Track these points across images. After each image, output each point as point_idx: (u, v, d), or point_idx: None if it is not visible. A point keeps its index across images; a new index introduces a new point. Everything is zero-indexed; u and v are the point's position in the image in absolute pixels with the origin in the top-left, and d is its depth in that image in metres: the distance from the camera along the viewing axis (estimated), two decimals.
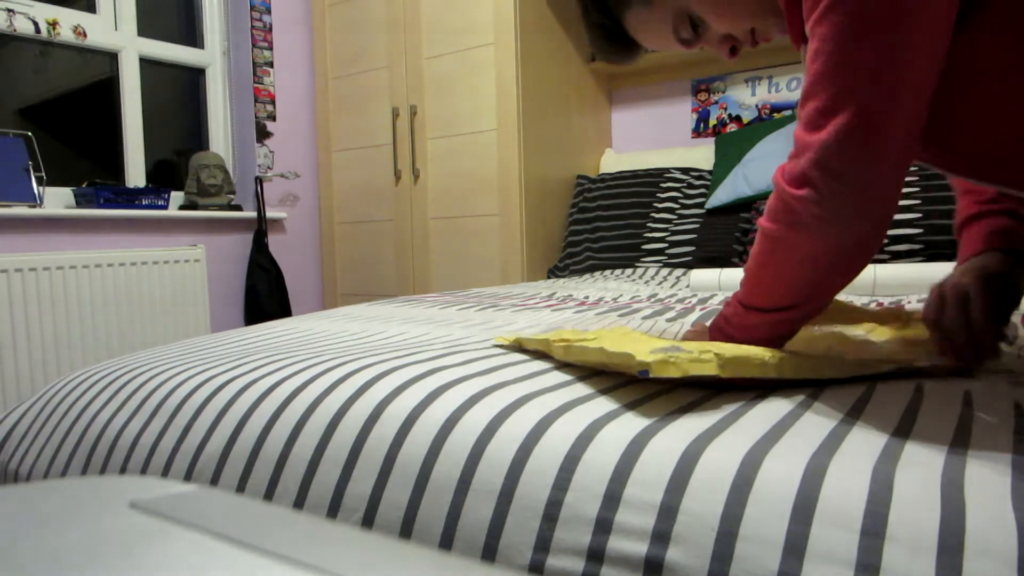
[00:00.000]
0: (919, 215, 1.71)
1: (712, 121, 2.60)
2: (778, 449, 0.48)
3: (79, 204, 2.23)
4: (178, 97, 2.73)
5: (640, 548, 0.45)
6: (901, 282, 1.44)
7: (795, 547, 0.41)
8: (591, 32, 0.80)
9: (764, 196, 2.06)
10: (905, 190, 1.82)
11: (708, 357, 0.59)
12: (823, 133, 0.57)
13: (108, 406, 0.79)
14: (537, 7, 2.39)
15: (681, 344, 0.63)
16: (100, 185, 2.23)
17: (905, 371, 0.68)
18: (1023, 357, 0.79)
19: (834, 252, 0.61)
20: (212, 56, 2.74)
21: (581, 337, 0.75)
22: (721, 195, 2.15)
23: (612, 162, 2.69)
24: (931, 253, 1.69)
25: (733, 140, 2.29)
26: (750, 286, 0.68)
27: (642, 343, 0.66)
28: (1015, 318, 1.02)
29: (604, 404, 0.58)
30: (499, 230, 2.38)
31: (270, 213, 2.73)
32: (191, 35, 2.73)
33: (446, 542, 0.52)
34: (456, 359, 0.76)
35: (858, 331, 0.89)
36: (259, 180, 2.68)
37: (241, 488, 0.63)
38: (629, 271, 2.19)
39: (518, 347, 0.85)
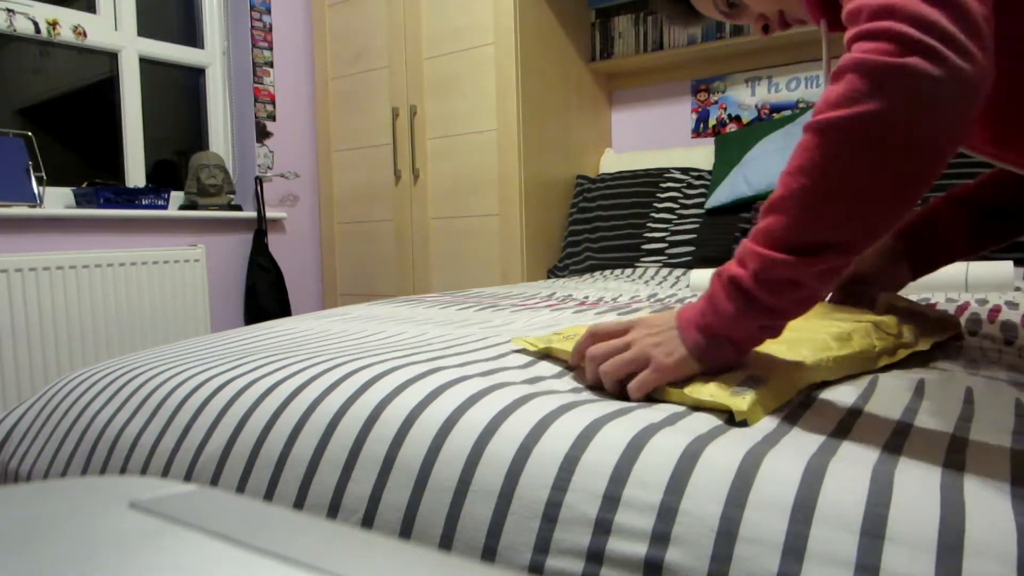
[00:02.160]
0: None
1: (712, 121, 2.60)
2: (778, 450, 0.48)
3: (79, 204, 2.23)
4: (178, 97, 2.73)
5: (640, 549, 0.45)
6: None
7: (795, 548, 0.41)
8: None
9: (764, 196, 2.06)
10: None
11: (783, 383, 0.60)
12: None
13: (108, 406, 0.79)
14: (537, 7, 2.39)
15: (754, 373, 0.60)
16: (100, 185, 2.23)
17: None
18: None
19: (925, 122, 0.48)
20: (212, 56, 2.74)
21: None
22: (721, 195, 2.15)
23: (612, 162, 2.69)
24: None
25: (733, 140, 2.29)
26: (793, 218, 0.53)
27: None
28: (1015, 318, 1.02)
29: (603, 405, 0.58)
30: (499, 230, 2.38)
31: (270, 213, 2.73)
32: (191, 35, 2.73)
33: (446, 542, 0.52)
34: (455, 359, 0.76)
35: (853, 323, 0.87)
36: (259, 180, 2.68)
37: (241, 488, 0.63)
38: (629, 271, 2.19)
39: (544, 354, 0.78)
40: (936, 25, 0.47)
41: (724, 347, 0.59)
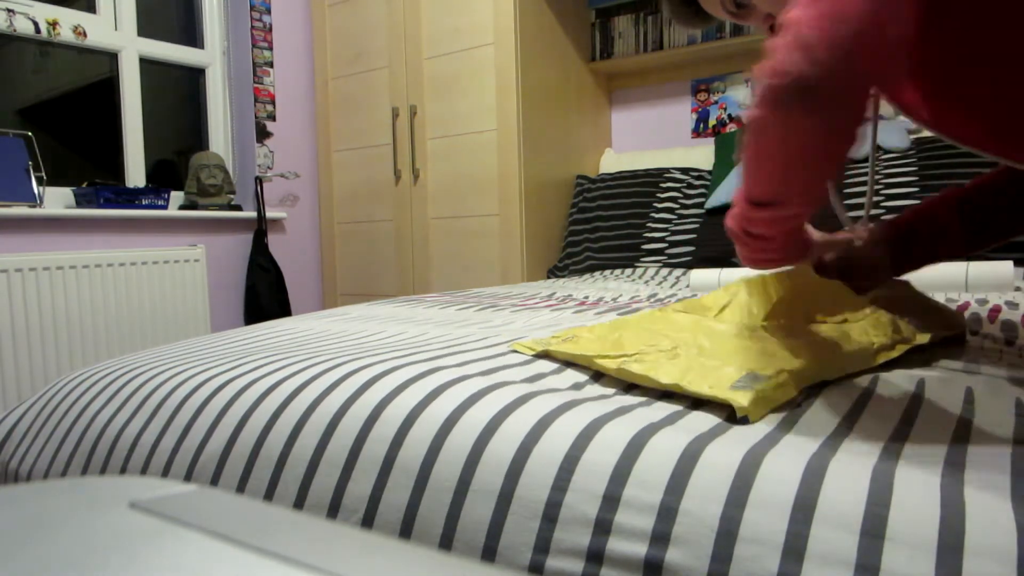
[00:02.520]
0: None
1: (712, 121, 2.60)
2: (778, 449, 0.48)
3: (79, 204, 2.23)
4: (178, 97, 2.73)
5: (640, 549, 0.45)
6: None
7: (795, 548, 0.41)
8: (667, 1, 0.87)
9: None
10: (906, 190, 1.82)
11: (784, 379, 0.60)
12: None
13: (108, 406, 0.79)
14: (537, 7, 2.39)
15: (754, 371, 0.61)
16: (100, 185, 2.23)
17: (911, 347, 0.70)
18: None
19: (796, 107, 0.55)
20: (212, 56, 2.74)
21: (620, 350, 0.72)
22: (721, 195, 2.15)
23: (612, 162, 2.69)
24: None
25: (733, 140, 2.29)
26: (746, 176, 0.66)
27: (696, 365, 0.65)
28: (1015, 318, 1.02)
29: (603, 404, 0.58)
30: (499, 230, 2.38)
31: (270, 213, 2.73)
32: (191, 35, 2.73)
33: (446, 542, 0.52)
34: (455, 359, 0.76)
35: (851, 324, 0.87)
36: (259, 180, 2.68)
37: (241, 488, 0.63)
38: (629, 271, 2.19)
39: (544, 355, 0.80)
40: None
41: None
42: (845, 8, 0.53)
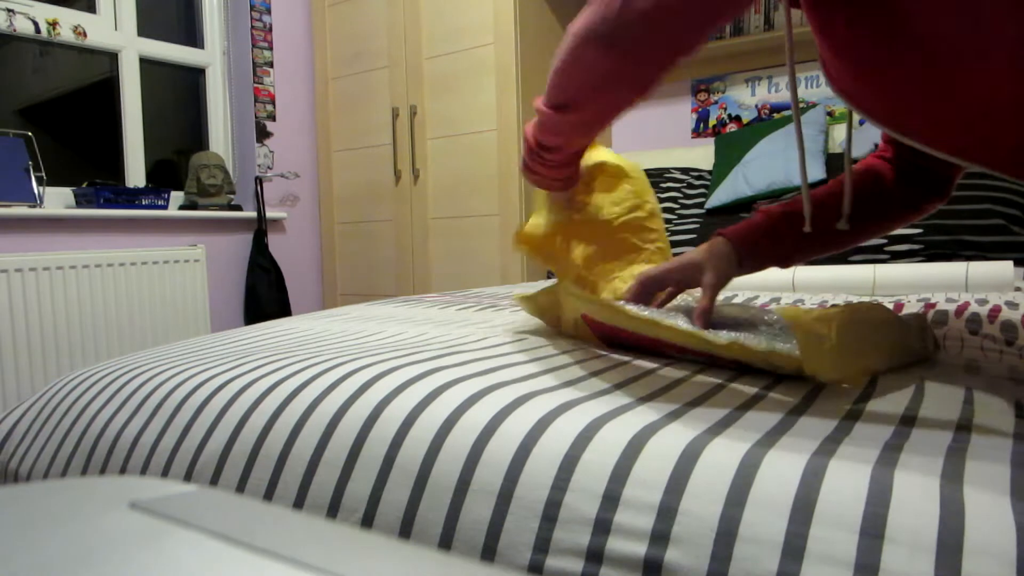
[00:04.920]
0: None
1: (712, 121, 2.60)
2: (777, 450, 0.48)
3: (79, 204, 2.23)
4: (178, 97, 2.73)
5: (639, 549, 0.45)
6: (901, 282, 1.44)
7: (794, 548, 0.41)
8: None
9: (764, 196, 2.06)
10: None
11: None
12: None
13: (108, 406, 0.79)
14: (537, 7, 2.39)
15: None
16: (100, 185, 2.23)
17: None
18: None
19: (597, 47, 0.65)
20: (212, 56, 2.74)
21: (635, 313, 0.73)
22: (721, 195, 2.15)
23: None
24: (931, 253, 1.69)
25: (733, 140, 2.29)
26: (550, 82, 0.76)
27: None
28: (1015, 318, 1.02)
29: (602, 404, 0.58)
30: (499, 230, 2.38)
31: (270, 213, 2.73)
32: (191, 35, 2.73)
33: (445, 542, 0.52)
34: (455, 359, 0.76)
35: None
36: (259, 180, 2.68)
37: (241, 488, 0.63)
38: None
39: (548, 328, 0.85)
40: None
41: (531, 174, 0.87)
42: None
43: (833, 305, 0.81)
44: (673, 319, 0.70)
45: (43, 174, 2.14)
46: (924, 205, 0.89)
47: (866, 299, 1.38)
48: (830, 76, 0.70)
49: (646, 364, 0.75)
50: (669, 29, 0.63)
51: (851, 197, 0.85)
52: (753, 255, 0.86)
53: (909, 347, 0.74)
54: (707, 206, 2.19)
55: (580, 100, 0.73)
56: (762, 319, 0.77)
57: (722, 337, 0.64)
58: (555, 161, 0.84)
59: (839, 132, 2.16)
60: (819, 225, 0.88)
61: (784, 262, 0.89)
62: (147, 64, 2.55)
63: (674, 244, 2.20)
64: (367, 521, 0.56)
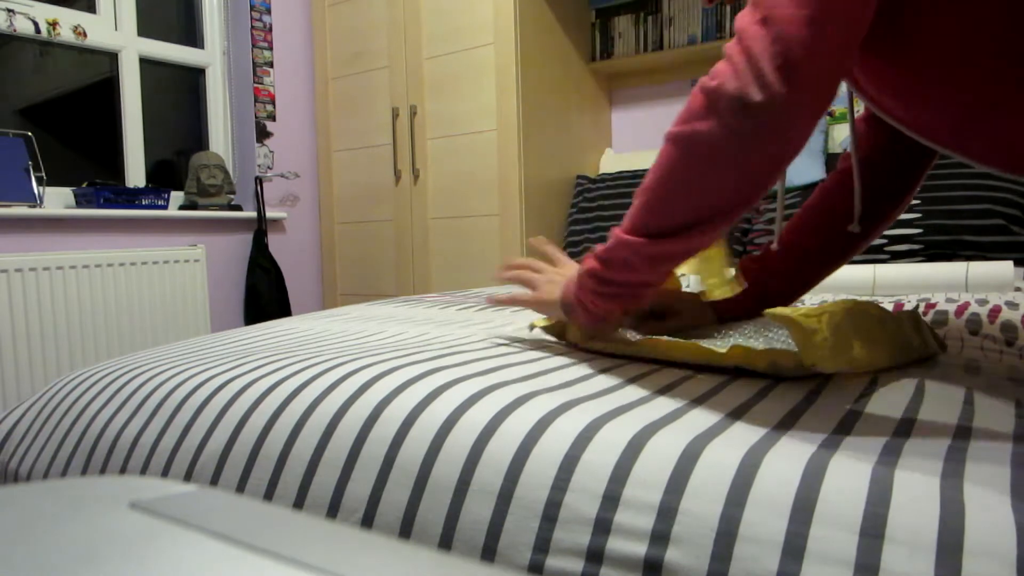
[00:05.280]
0: (919, 215, 1.71)
1: None
2: (777, 449, 0.48)
3: (79, 204, 2.23)
4: (178, 97, 2.73)
5: (639, 548, 0.45)
6: (901, 282, 1.44)
7: (794, 547, 0.41)
8: None
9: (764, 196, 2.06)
10: None
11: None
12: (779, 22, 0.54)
13: (108, 406, 0.79)
14: (537, 7, 2.39)
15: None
16: (100, 185, 2.23)
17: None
18: None
19: (744, 160, 0.57)
20: (212, 56, 2.74)
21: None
22: None
23: (612, 162, 2.69)
24: (931, 253, 1.69)
25: None
26: (640, 208, 0.64)
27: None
28: (1015, 318, 1.02)
29: (602, 404, 0.58)
30: (499, 230, 2.38)
31: (270, 213, 2.73)
32: (191, 35, 2.73)
33: (445, 542, 0.52)
34: (455, 359, 0.76)
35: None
36: (259, 180, 2.68)
37: (241, 488, 0.63)
38: None
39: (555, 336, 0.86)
40: (757, 61, 0.54)
41: (577, 310, 0.74)
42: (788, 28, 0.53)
43: (822, 301, 0.82)
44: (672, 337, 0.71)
45: (43, 174, 2.14)
46: (899, 205, 0.90)
47: (864, 299, 1.38)
48: (868, 96, 0.70)
49: (646, 364, 0.75)
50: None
51: (862, 196, 0.85)
52: (755, 300, 0.90)
53: (908, 344, 0.74)
54: None
55: (707, 215, 0.61)
56: (762, 332, 0.78)
57: (719, 346, 0.65)
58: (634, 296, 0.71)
59: (839, 132, 2.16)
60: (813, 245, 0.89)
61: (787, 300, 0.92)
62: (147, 64, 2.55)
63: None
64: (367, 521, 0.56)
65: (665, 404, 0.60)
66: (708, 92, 0.57)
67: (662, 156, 0.62)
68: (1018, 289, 1.38)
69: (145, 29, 2.52)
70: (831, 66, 0.54)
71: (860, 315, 0.69)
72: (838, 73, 0.55)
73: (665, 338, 0.71)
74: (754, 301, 0.91)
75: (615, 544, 0.46)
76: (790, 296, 0.92)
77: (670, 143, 0.61)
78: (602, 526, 0.47)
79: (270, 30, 2.76)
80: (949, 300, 1.26)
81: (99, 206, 2.21)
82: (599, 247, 0.70)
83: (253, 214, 2.66)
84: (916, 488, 0.42)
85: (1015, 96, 0.59)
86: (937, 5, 0.58)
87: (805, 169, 1.99)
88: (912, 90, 0.64)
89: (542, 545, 0.48)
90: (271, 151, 2.77)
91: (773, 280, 0.91)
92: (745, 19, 0.56)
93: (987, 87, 0.59)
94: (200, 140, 2.77)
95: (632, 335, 0.75)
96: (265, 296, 2.65)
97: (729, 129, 0.56)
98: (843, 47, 0.54)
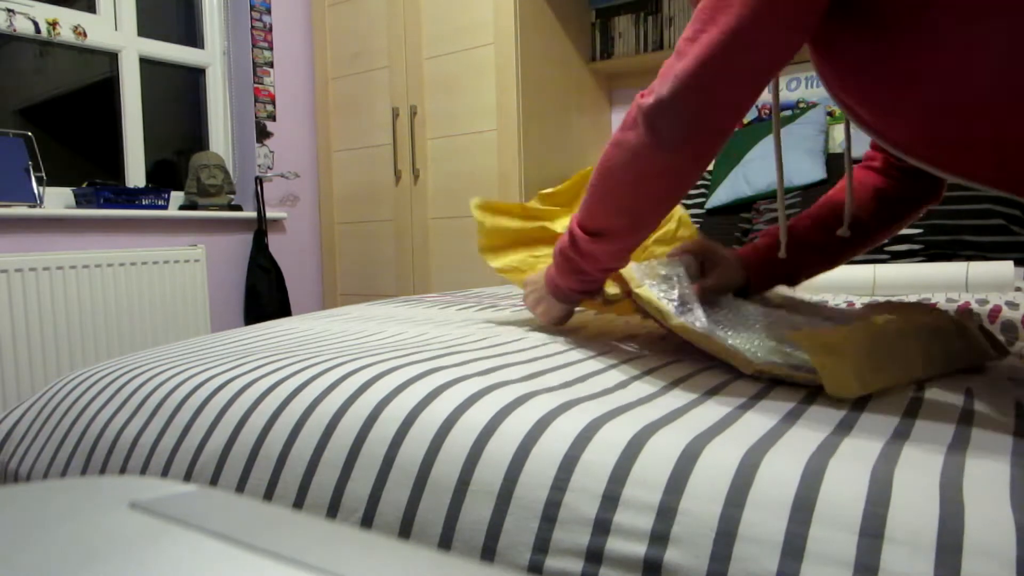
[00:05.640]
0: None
1: None
2: (777, 449, 0.48)
3: (79, 204, 2.23)
4: (178, 97, 2.73)
5: (639, 549, 0.45)
6: (901, 282, 1.44)
7: (794, 547, 0.41)
8: None
9: (764, 196, 2.06)
10: None
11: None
12: (686, 58, 0.64)
13: (108, 406, 0.79)
14: (537, 7, 2.39)
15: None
16: (100, 185, 2.23)
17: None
18: None
19: (655, 168, 0.66)
20: (212, 56, 2.74)
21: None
22: (721, 195, 2.15)
23: None
24: (931, 253, 1.69)
25: (733, 140, 2.29)
26: (586, 208, 0.76)
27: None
28: (1015, 318, 1.02)
29: (602, 404, 0.58)
30: None
31: (270, 213, 2.73)
32: (191, 35, 2.73)
33: (445, 542, 0.52)
34: (455, 359, 0.76)
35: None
36: (259, 180, 2.68)
37: (241, 488, 0.63)
38: None
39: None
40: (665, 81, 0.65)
41: (566, 294, 0.86)
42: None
43: (849, 303, 0.82)
44: (721, 331, 0.72)
45: (43, 174, 2.14)
46: (919, 208, 0.90)
47: (865, 299, 1.38)
48: (843, 103, 0.70)
49: (646, 364, 0.75)
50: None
51: (851, 201, 0.85)
52: (760, 276, 0.91)
53: (949, 352, 0.71)
54: (707, 206, 2.19)
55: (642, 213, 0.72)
56: (782, 350, 0.76)
57: (748, 350, 0.66)
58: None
59: (839, 132, 2.16)
60: (819, 240, 0.90)
61: (790, 280, 0.92)
62: (147, 64, 2.55)
63: None
64: (367, 521, 0.56)
65: (665, 404, 0.60)
66: (638, 105, 0.67)
67: (600, 161, 0.72)
68: (1018, 289, 1.38)
69: (145, 29, 2.52)
70: (726, 100, 0.63)
71: (884, 336, 0.66)
72: (741, 105, 0.64)
73: (698, 325, 0.71)
74: (783, 268, 0.92)
75: (615, 544, 0.46)
76: (820, 267, 0.93)
77: (608, 146, 0.72)
78: (602, 526, 0.47)
79: (270, 30, 2.76)
80: (949, 300, 1.26)
81: (99, 206, 2.21)
82: (574, 218, 0.80)
83: (253, 214, 2.66)
84: (916, 488, 0.42)
85: (985, 99, 0.58)
86: None
87: (806, 169, 1.99)
88: (882, 92, 0.64)
89: (542, 545, 0.48)
90: (271, 151, 2.77)
91: (803, 252, 0.91)
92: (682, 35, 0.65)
93: (953, 88, 0.59)
94: (200, 140, 2.77)
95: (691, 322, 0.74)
96: (265, 296, 2.65)
97: (640, 139, 0.66)
98: (756, 72, 0.62)
